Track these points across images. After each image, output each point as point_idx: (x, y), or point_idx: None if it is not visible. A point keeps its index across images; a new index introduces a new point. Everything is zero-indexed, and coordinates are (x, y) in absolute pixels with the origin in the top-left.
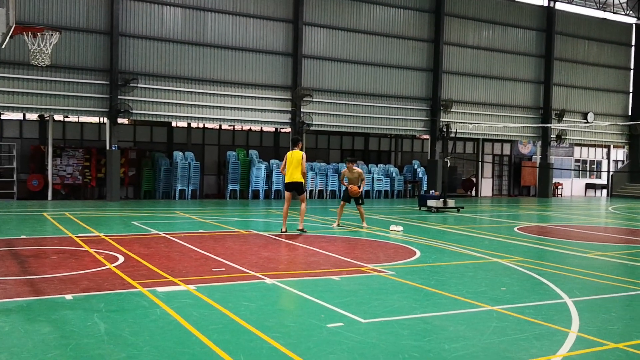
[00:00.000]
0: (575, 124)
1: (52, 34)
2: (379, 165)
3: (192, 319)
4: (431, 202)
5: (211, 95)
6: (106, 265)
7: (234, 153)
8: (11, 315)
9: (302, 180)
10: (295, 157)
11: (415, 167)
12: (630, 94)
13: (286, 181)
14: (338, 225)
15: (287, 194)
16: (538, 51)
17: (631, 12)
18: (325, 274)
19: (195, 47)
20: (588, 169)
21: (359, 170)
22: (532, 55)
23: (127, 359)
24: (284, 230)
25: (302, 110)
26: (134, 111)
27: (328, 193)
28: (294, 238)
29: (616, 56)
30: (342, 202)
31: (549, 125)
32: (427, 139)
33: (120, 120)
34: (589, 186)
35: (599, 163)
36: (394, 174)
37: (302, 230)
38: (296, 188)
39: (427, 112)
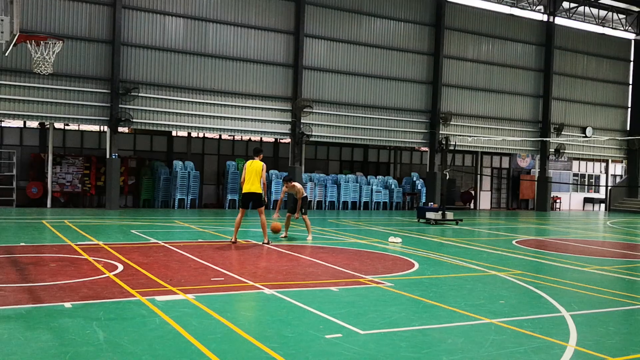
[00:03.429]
0: (574, 138)
1: (55, 43)
2: (377, 177)
3: (191, 328)
4: (430, 215)
5: (211, 105)
6: (105, 274)
7: (233, 163)
8: (10, 322)
9: (261, 192)
10: (255, 167)
11: (414, 179)
12: (629, 109)
13: (244, 191)
14: (285, 236)
15: (241, 209)
16: (537, 65)
17: (630, 28)
18: (323, 285)
19: (197, 57)
20: (586, 183)
21: (298, 186)
22: (532, 70)
23: None
24: (233, 240)
25: (301, 121)
26: (134, 120)
27: (327, 204)
28: (291, 248)
29: (615, 71)
30: (288, 214)
31: (547, 139)
32: (426, 151)
33: (120, 129)
34: (587, 200)
35: (597, 177)
36: (392, 186)
37: (267, 243)
38: (254, 200)
39: (426, 124)
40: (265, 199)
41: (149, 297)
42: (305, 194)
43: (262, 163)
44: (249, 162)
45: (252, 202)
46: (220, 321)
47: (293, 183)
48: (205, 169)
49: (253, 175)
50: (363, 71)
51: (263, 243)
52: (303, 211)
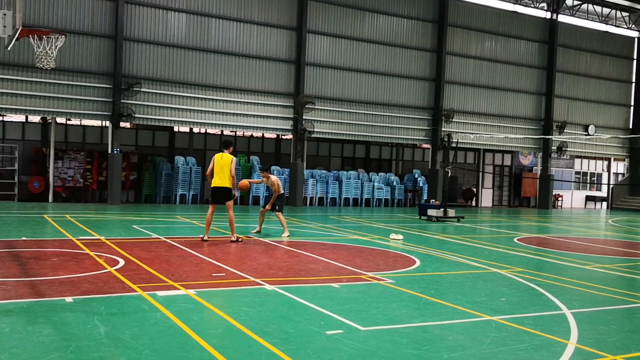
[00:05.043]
0: (576, 136)
1: (57, 37)
2: (379, 174)
3: (192, 323)
4: (431, 212)
5: (214, 101)
6: (107, 269)
7: (235, 159)
8: (12, 316)
9: (231, 186)
10: (225, 161)
11: (416, 176)
12: (632, 107)
13: (214, 185)
14: (258, 232)
15: (211, 205)
16: (540, 63)
17: (633, 25)
18: (325, 281)
19: (199, 52)
20: (588, 181)
21: (274, 178)
22: (534, 67)
23: None
24: (205, 238)
25: (304, 117)
26: (136, 115)
27: (328, 200)
28: (292, 245)
29: (618, 69)
30: (261, 210)
31: (550, 136)
32: (429, 148)
33: (122, 124)
34: (589, 198)
35: (600, 175)
36: (394, 183)
37: (237, 240)
38: (224, 194)
39: (428, 121)
40: (235, 193)
41: (150, 292)
42: (282, 191)
43: (232, 156)
44: (218, 155)
45: (221, 196)
46: (221, 316)
47: (269, 175)
48: (207, 164)
49: (223, 168)
50: (365, 68)
51: (231, 241)
52: (277, 208)
